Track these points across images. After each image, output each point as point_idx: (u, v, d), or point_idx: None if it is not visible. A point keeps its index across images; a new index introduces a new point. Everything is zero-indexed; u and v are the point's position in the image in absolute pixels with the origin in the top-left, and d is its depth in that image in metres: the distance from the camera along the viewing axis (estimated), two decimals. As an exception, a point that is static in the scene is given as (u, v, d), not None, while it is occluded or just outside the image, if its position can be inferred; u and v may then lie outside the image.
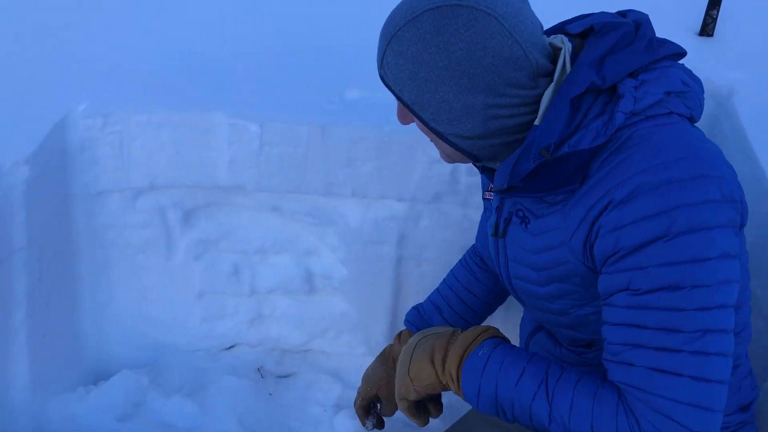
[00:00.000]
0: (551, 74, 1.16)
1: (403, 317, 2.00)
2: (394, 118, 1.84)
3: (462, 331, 1.29)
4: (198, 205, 1.98)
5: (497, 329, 1.30)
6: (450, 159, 1.27)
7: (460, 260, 1.73)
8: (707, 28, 2.12)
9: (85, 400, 1.92)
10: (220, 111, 1.86)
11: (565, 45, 1.17)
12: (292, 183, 1.91)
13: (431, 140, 1.25)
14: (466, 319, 1.66)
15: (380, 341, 2.08)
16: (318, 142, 1.85)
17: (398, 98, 1.20)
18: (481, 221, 1.67)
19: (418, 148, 1.83)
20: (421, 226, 1.94)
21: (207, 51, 2.13)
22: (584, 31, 1.19)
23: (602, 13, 1.22)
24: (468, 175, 1.84)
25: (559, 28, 1.25)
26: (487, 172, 1.29)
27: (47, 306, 1.83)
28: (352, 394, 2.10)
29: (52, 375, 1.89)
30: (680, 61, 1.22)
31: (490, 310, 1.70)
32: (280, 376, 2.16)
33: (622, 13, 1.22)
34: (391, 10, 1.19)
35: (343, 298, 2.06)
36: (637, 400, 1.07)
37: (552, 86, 1.14)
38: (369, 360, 2.12)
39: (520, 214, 1.26)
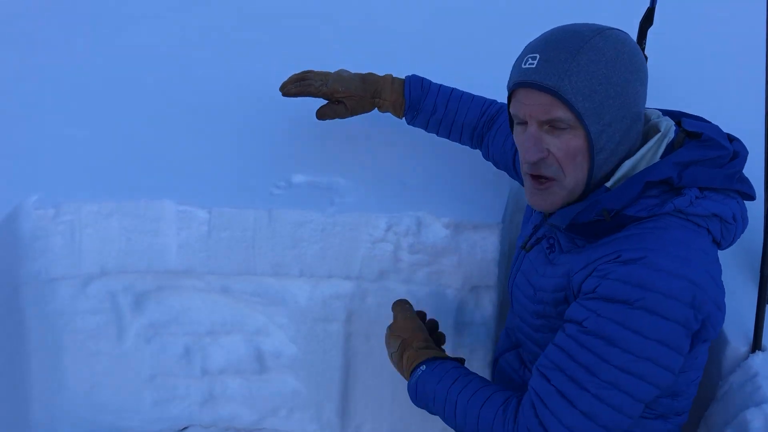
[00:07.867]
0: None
1: (354, 394, 2.04)
2: (339, 199, 1.95)
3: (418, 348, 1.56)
4: (148, 289, 2.01)
5: (438, 351, 1.57)
6: (568, 193, 1.34)
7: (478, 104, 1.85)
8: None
9: (34, 491, 1.91)
10: (168, 198, 1.91)
11: (668, 130, 1.36)
12: (241, 265, 1.95)
13: (572, 164, 1.31)
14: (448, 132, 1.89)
15: (331, 418, 2.11)
16: (265, 226, 1.91)
17: (570, 108, 1.26)
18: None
19: (362, 229, 1.91)
20: (368, 303, 1.99)
21: (155, 139, 2.15)
22: (694, 132, 1.37)
23: (715, 126, 1.40)
24: (410, 253, 1.92)
25: (673, 115, 1.44)
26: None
27: (-4, 395, 1.84)
28: (305, 472, 2.12)
29: (0, 466, 1.87)
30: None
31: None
32: (234, 456, 2.17)
33: (731, 138, 1.41)
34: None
35: (293, 376, 2.08)
36: (531, 407, 1.28)
37: (652, 144, 1.34)
38: (321, 437, 2.15)
39: (551, 241, 1.45)
